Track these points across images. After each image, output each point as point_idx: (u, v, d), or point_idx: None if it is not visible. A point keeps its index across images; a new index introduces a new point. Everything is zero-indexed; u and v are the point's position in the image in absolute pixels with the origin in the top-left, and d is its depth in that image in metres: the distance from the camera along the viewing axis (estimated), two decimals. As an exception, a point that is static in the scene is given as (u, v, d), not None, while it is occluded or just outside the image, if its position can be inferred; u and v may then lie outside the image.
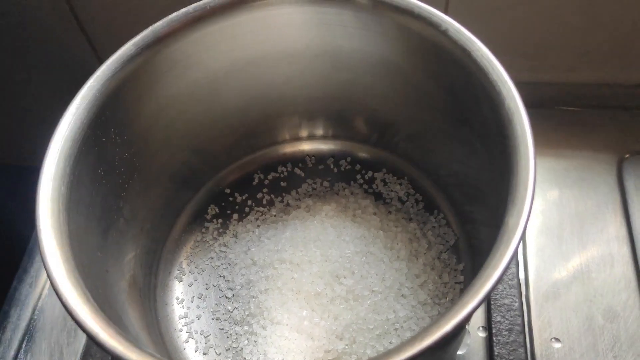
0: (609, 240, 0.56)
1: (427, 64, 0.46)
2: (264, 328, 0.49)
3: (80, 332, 0.55)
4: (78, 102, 0.40)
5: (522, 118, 0.36)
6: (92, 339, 0.31)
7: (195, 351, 0.50)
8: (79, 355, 0.53)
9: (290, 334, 0.48)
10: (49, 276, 0.33)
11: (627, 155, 0.61)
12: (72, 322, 0.55)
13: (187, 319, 0.51)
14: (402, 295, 0.49)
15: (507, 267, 0.31)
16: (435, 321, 0.30)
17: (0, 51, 0.74)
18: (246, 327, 0.50)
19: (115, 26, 0.68)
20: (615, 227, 0.57)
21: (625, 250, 0.55)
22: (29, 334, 0.56)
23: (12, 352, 0.55)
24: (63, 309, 0.55)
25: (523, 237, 0.32)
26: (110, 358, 0.52)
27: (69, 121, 0.40)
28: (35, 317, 0.57)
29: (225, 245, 0.55)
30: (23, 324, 0.56)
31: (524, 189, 0.33)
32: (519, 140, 0.35)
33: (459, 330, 0.39)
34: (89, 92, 0.41)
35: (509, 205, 0.33)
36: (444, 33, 0.41)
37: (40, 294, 0.58)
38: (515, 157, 0.35)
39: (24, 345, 0.55)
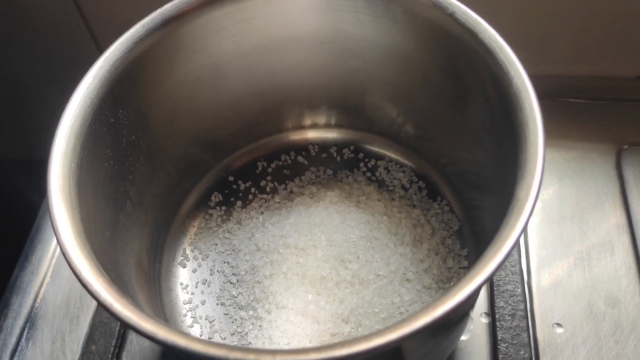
0: (608, 229, 0.57)
1: (434, 50, 0.46)
2: (269, 312, 0.49)
3: (82, 319, 0.55)
4: (89, 81, 0.41)
5: (530, 95, 0.36)
6: (106, 309, 0.31)
7: (200, 336, 0.50)
8: (81, 343, 0.53)
9: (296, 318, 0.49)
10: (60, 247, 0.33)
11: (625, 146, 0.62)
12: (75, 310, 0.56)
13: (191, 304, 0.51)
14: (407, 280, 0.50)
15: (519, 238, 0.31)
16: (456, 283, 0.30)
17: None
18: (251, 312, 0.50)
19: (117, 18, 0.68)
20: (615, 216, 0.58)
21: (625, 238, 0.56)
22: (31, 321, 0.55)
23: (13, 340, 0.54)
24: (65, 297, 0.56)
25: (533, 211, 0.32)
26: (113, 345, 0.52)
27: (79, 99, 0.40)
28: (37, 304, 0.56)
29: (229, 232, 0.55)
30: (25, 312, 0.56)
31: (534, 163, 0.34)
32: (527, 116, 0.36)
33: (473, 299, 0.39)
34: (98, 71, 0.41)
35: (518, 179, 0.34)
36: (451, 16, 0.42)
37: (42, 282, 0.58)
38: (523, 133, 0.35)
39: (25, 333, 0.55)
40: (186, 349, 0.29)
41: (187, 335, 0.30)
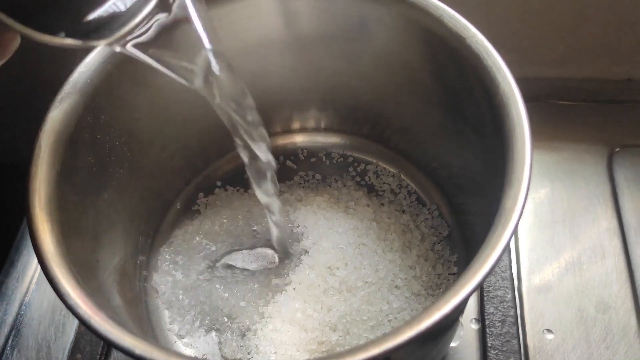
0: (600, 233, 0.56)
1: (422, 53, 0.46)
2: (255, 321, 0.49)
3: (68, 326, 0.54)
4: (69, 88, 0.40)
5: (517, 102, 0.36)
6: (83, 323, 0.30)
7: (186, 346, 0.49)
8: (66, 351, 0.52)
9: (283, 327, 0.48)
10: (38, 257, 0.33)
11: (617, 149, 0.62)
12: (60, 317, 0.55)
13: (177, 311, 0.50)
14: (396, 287, 0.49)
15: (506, 248, 0.31)
16: (442, 295, 0.29)
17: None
18: (237, 321, 0.49)
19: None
20: (606, 219, 0.57)
21: (616, 242, 0.56)
22: (16, 328, 0.54)
23: (-2, 348, 0.54)
24: (51, 304, 0.56)
25: (520, 220, 0.32)
26: (99, 353, 0.51)
27: (59, 105, 0.39)
28: (22, 311, 0.55)
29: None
30: (10, 319, 0.55)
31: (521, 172, 0.33)
32: (514, 123, 0.35)
33: (459, 311, 0.38)
34: (79, 77, 0.41)
35: (505, 188, 0.33)
36: (439, 20, 0.41)
37: (28, 288, 0.57)
38: (510, 140, 0.35)
39: (10, 341, 0.54)
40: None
41: (168, 351, 0.29)
